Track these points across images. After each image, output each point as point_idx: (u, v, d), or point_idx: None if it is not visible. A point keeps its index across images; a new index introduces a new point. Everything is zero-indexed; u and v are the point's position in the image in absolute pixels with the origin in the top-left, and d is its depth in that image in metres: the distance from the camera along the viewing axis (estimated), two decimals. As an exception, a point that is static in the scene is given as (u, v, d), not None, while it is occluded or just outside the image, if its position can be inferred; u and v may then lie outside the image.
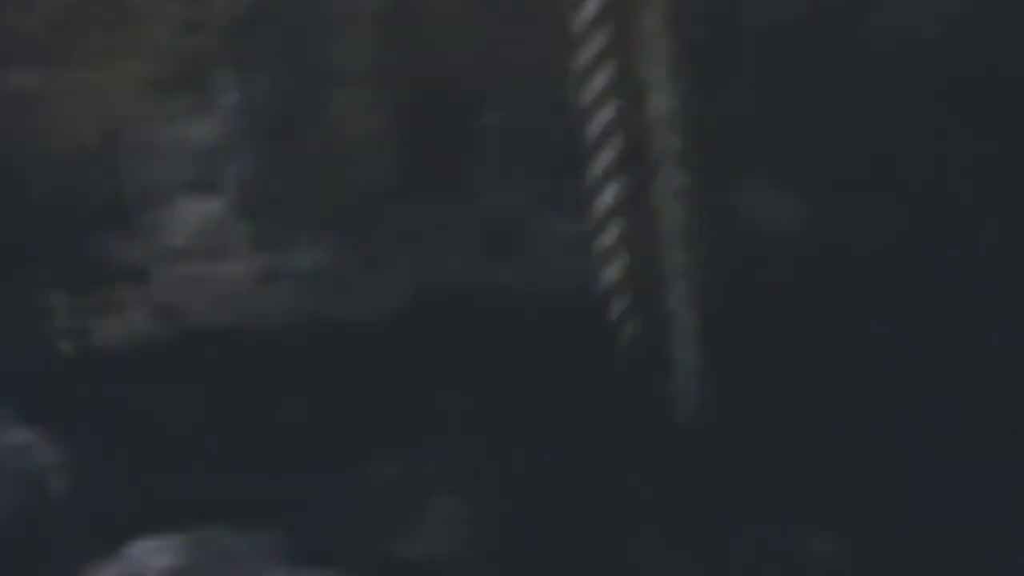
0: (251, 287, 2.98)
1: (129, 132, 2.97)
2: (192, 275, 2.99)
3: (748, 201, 2.89)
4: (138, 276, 3.01)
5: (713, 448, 2.89)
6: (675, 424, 2.92)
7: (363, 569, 2.75)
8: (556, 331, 2.95)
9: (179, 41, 2.93)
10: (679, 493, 2.85)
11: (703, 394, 2.92)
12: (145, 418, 3.00)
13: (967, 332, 2.89)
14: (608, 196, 2.90)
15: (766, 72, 2.85)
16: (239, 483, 2.90)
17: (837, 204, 2.88)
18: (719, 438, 2.91)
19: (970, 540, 2.73)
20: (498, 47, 2.91)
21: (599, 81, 2.86)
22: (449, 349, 2.97)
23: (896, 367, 2.89)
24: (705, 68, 2.84)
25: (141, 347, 3.02)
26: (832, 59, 2.85)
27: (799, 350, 2.90)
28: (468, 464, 2.88)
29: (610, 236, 2.91)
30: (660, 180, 2.89)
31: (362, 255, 2.97)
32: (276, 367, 2.98)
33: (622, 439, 2.90)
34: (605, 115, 2.87)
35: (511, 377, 2.96)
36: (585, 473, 2.87)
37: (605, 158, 2.89)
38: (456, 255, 2.96)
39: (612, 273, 2.91)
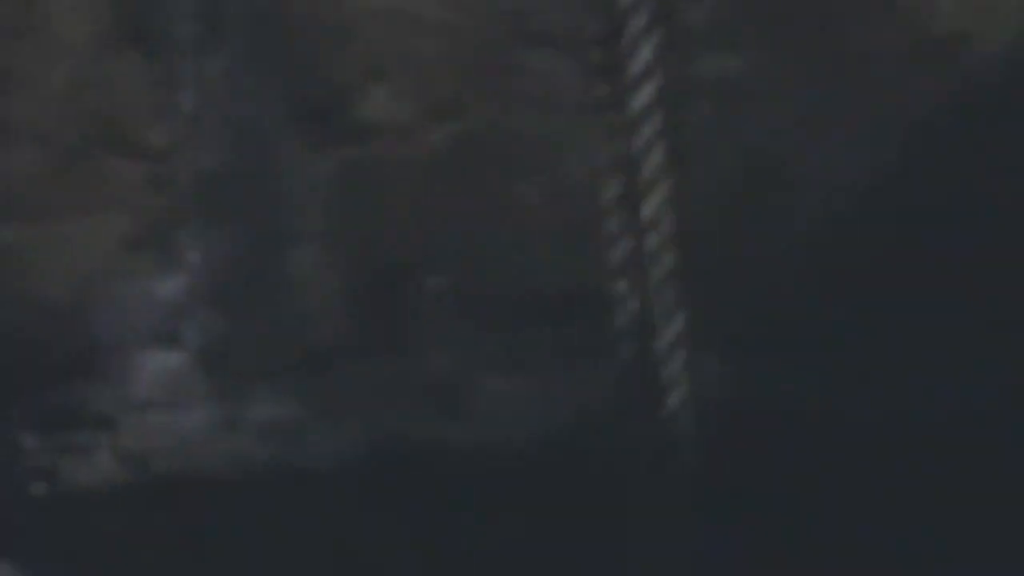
0: (211, 436, 3.11)
1: (99, 286, 3.11)
2: (156, 423, 3.12)
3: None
4: (105, 423, 3.14)
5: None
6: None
7: None
8: (501, 483, 3.07)
9: (147, 200, 3.08)
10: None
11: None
12: (111, 558, 3.13)
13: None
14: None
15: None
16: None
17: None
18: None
19: None
20: (444, 213, 3.05)
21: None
22: (399, 499, 3.09)
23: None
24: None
25: (107, 490, 3.15)
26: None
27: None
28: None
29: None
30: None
31: (316, 408, 3.10)
32: (235, 514, 3.10)
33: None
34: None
35: (460, 527, 3.07)
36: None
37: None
38: (406, 409, 3.08)
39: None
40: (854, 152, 2.89)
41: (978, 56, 2.85)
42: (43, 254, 3.11)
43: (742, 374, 3.02)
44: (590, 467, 3.10)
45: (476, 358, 3.09)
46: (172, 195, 3.08)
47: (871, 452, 3.02)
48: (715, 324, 3.02)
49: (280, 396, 3.11)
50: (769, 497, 3.05)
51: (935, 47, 2.83)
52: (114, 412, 3.14)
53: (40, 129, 3.05)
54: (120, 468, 3.15)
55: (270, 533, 3.12)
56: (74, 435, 3.16)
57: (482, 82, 2.99)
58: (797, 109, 2.90)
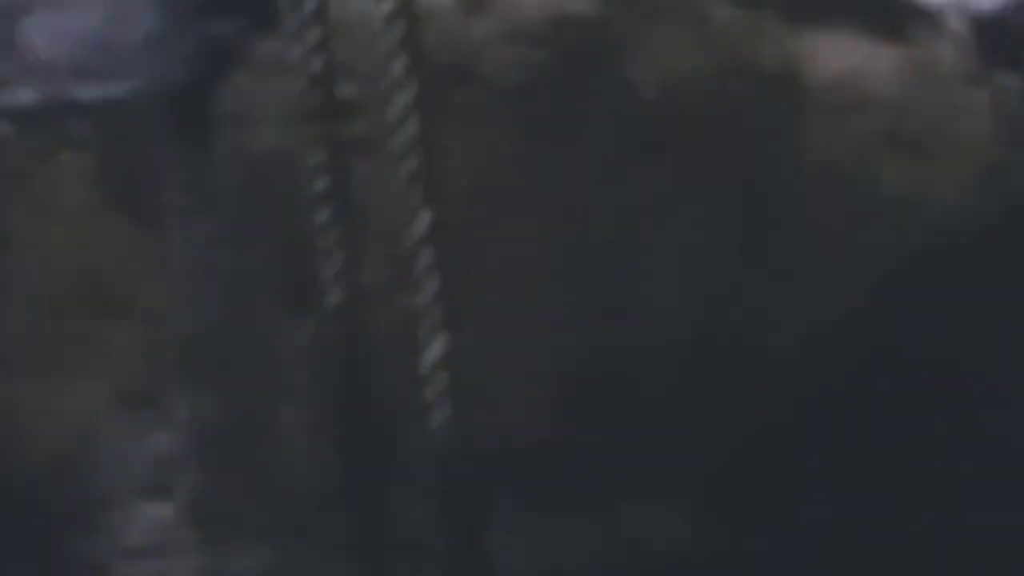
0: (198, 586, 3.23)
1: (91, 441, 3.25)
2: (145, 573, 3.24)
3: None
4: (97, 572, 3.26)
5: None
6: None
7: None
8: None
9: (137, 359, 3.22)
10: None
11: None
12: None
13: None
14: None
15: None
16: None
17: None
18: None
19: None
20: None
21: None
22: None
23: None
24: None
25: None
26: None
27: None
28: None
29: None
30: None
31: (300, 560, 3.20)
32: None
33: None
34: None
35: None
36: None
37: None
38: (388, 562, 3.18)
39: None
40: (801, 316, 2.97)
41: (922, 223, 2.93)
42: (38, 410, 3.25)
43: (702, 521, 3.10)
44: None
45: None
46: (161, 355, 3.21)
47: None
48: (676, 474, 3.10)
49: (265, 547, 3.21)
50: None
51: (879, 215, 2.92)
52: (105, 561, 3.25)
53: (33, 290, 3.19)
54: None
55: None
56: (68, 583, 3.28)
57: (454, 243, 3.10)
58: (744, 276, 2.99)
